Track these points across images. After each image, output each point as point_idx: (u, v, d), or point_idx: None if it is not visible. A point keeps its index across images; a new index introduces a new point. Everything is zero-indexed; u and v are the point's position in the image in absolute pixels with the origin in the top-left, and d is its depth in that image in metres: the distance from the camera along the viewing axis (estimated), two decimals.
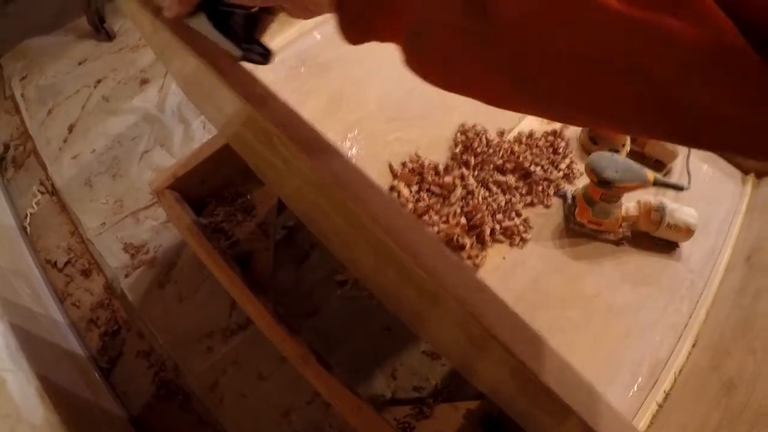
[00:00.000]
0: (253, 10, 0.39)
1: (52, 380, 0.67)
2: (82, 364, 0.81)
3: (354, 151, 0.67)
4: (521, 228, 0.67)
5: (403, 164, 0.67)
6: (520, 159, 0.72)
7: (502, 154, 0.72)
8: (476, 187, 0.68)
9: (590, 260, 0.67)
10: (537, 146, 0.76)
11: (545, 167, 0.74)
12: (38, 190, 1.02)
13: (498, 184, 0.70)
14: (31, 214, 0.99)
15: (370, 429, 0.57)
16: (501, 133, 0.77)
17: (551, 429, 0.41)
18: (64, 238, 0.96)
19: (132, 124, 1.10)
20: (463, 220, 0.63)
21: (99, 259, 0.92)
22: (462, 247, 0.62)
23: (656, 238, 0.69)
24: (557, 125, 0.81)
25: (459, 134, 0.73)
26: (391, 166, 0.67)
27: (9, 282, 0.81)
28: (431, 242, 0.35)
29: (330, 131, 0.67)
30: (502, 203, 0.68)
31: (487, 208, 0.66)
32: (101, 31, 1.26)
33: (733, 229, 0.75)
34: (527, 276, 0.63)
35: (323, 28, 0.75)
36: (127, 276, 0.89)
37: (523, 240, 0.66)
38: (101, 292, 0.89)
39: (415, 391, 0.77)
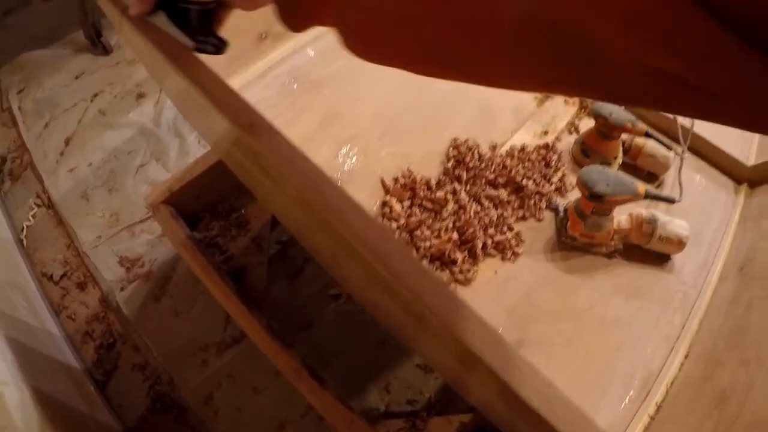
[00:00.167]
0: (209, 5, 0.43)
1: (47, 393, 0.68)
2: (78, 376, 0.81)
3: (347, 166, 0.67)
4: (513, 242, 0.67)
5: (396, 179, 0.68)
6: (512, 173, 0.73)
7: (494, 169, 0.73)
8: (468, 202, 0.68)
9: (582, 273, 0.67)
10: (529, 160, 0.77)
11: (537, 181, 0.74)
12: (35, 203, 1.03)
13: (490, 198, 0.70)
14: (27, 226, 1.00)
15: None
16: (493, 147, 0.77)
17: None
18: (60, 251, 0.96)
19: (128, 138, 1.10)
20: (455, 235, 0.63)
21: (95, 272, 0.92)
22: (453, 262, 0.62)
23: (648, 250, 0.69)
24: (549, 139, 0.82)
25: (451, 149, 0.74)
26: (383, 181, 0.68)
27: (5, 294, 0.81)
28: (415, 263, 0.36)
29: (323, 147, 0.68)
30: (494, 217, 0.68)
31: (479, 222, 0.67)
32: (98, 44, 1.27)
33: (726, 240, 0.75)
34: (519, 290, 0.64)
35: (317, 44, 0.76)
36: (122, 289, 0.89)
37: (515, 254, 0.67)
38: (97, 305, 0.89)
39: (408, 405, 0.77)
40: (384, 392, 0.78)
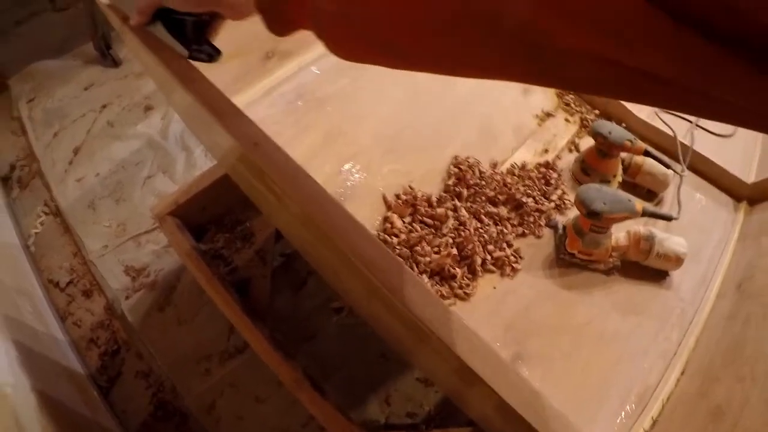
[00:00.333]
0: (204, 16, 0.46)
1: (51, 396, 0.69)
2: (82, 382, 0.82)
3: (349, 182, 0.69)
4: (512, 258, 0.68)
5: (397, 196, 0.69)
6: (512, 190, 0.74)
7: (494, 186, 0.74)
8: (468, 219, 0.69)
9: (581, 290, 0.68)
10: (529, 178, 0.78)
11: (537, 198, 0.76)
12: (42, 211, 1.05)
13: (490, 215, 0.72)
14: (35, 234, 1.01)
15: None
16: (494, 165, 0.79)
17: None
18: (66, 258, 0.98)
19: (136, 150, 1.13)
20: (454, 251, 0.65)
21: (100, 280, 0.94)
22: (453, 277, 0.63)
23: (647, 267, 0.70)
24: (550, 157, 0.83)
25: (452, 166, 0.75)
26: (385, 198, 0.69)
27: (12, 300, 0.83)
28: (412, 279, 0.37)
29: (326, 163, 0.69)
30: (494, 234, 0.70)
31: (478, 239, 0.68)
32: (107, 57, 1.30)
33: (725, 257, 0.76)
34: (518, 305, 0.65)
35: (321, 63, 0.78)
36: (127, 298, 0.91)
37: (514, 270, 0.68)
38: (102, 313, 0.91)
39: (408, 417, 0.77)
40: (384, 405, 0.79)
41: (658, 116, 0.95)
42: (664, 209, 0.80)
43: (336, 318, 0.86)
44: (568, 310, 0.66)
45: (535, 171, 0.80)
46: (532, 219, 0.73)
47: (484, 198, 0.73)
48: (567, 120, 0.92)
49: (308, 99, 0.74)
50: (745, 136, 0.97)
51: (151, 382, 0.83)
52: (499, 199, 0.74)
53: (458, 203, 0.71)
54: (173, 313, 0.88)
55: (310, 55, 0.78)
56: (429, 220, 0.68)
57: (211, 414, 0.78)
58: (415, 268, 0.63)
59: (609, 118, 0.93)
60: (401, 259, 0.62)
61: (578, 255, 0.69)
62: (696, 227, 0.78)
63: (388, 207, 0.69)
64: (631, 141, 0.76)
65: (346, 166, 0.70)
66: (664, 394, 0.61)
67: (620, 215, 0.66)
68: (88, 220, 1.02)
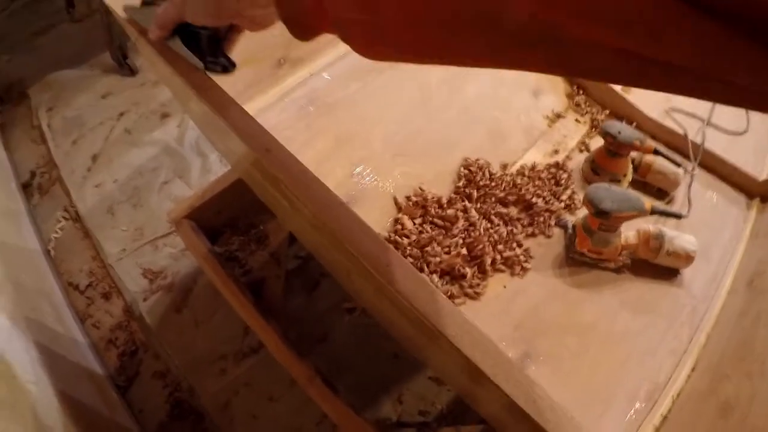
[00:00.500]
0: (220, 29, 0.47)
1: (71, 395, 0.71)
2: (100, 382, 0.85)
3: (360, 185, 0.70)
4: (522, 258, 0.69)
5: (408, 198, 0.70)
6: (522, 191, 0.75)
7: (504, 187, 0.75)
8: (478, 219, 0.70)
9: (590, 288, 0.69)
10: (539, 178, 0.79)
11: (547, 199, 0.76)
12: (62, 216, 1.08)
13: (500, 215, 0.73)
14: (55, 238, 1.05)
15: None
16: (504, 167, 0.80)
17: None
18: (86, 262, 1.01)
19: (152, 156, 1.16)
20: (464, 251, 0.66)
21: (119, 283, 0.97)
22: (463, 277, 0.64)
23: (657, 265, 0.71)
24: (560, 158, 0.84)
25: (462, 168, 0.76)
26: (395, 200, 0.70)
27: (33, 302, 0.86)
28: (421, 281, 0.39)
29: (338, 167, 0.71)
30: (504, 234, 0.70)
31: (488, 239, 0.69)
32: (124, 66, 1.33)
33: (737, 254, 0.76)
34: (527, 304, 0.66)
35: (332, 69, 0.80)
36: (145, 300, 0.93)
37: (524, 269, 0.68)
38: (120, 315, 0.94)
39: (420, 416, 0.78)
40: (397, 403, 0.80)
41: (669, 115, 0.95)
42: (675, 208, 0.80)
43: (348, 318, 0.87)
44: (577, 308, 0.66)
45: (545, 172, 0.80)
46: (542, 219, 0.74)
47: (494, 199, 0.74)
48: (577, 120, 0.93)
49: (319, 104, 0.75)
50: (758, 133, 0.97)
51: (168, 382, 0.85)
52: (509, 199, 0.75)
53: (468, 204, 0.72)
54: (190, 315, 0.90)
55: (321, 62, 0.80)
56: (439, 221, 0.69)
57: (225, 413, 0.80)
58: (426, 269, 0.65)
59: (619, 118, 0.93)
60: (407, 260, 0.64)
61: (588, 254, 0.70)
62: (707, 225, 0.78)
63: (399, 209, 0.70)
64: (640, 140, 0.76)
65: (357, 170, 0.72)
66: (674, 392, 0.61)
67: (629, 214, 0.66)
68: (107, 225, 1.05)
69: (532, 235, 0.73)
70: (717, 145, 0.87)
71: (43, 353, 0.73)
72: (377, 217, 0.68)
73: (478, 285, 0.65)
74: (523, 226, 0.73)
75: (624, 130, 0.77)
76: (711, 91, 0.22)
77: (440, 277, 0.65)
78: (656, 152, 0.78)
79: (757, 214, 0.83)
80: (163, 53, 0.50)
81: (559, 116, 0.92)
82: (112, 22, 1.25)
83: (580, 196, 0.78)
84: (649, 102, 0.95)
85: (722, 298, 0.72)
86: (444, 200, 0.72)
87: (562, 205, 0.77)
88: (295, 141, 0.72)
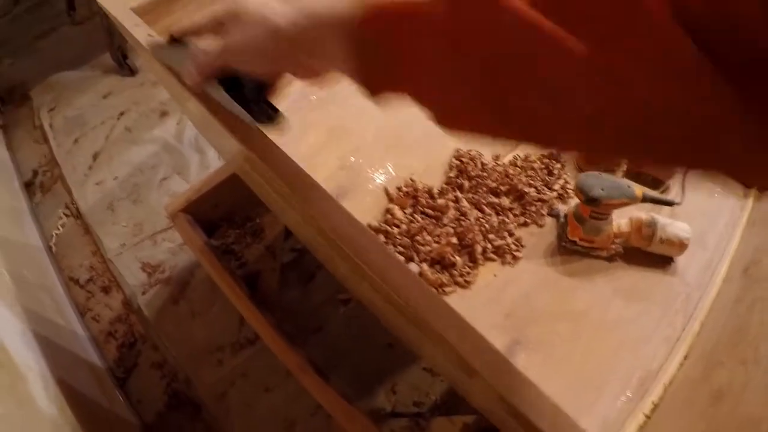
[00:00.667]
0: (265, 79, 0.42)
1: (70, 384, 0.72)
2: (100, 373, 0.87)
3: (352, 177, 0.71)
4: (513, 246, 0.69)
5: (399, 188, 0.71)
6: (514, 181, 0.75)
7: (496, 177, 0.75)
8: (469, 209, 0.71)
9: (582, 277, 0.69)
10: (532, 169, 0.79)
11: (539, 188, 0.76)
12: (64, 213, 1.10)
13: (492, 205, 0.73)
14: (56, 235, 1.07)
15: None
16: (496, 157, 0.80)
17: None
18: (86, 257, 1.03)
19: (152, 154, 1.18)
20: (455, 240, 0.66)
21: (118, 277, 0.98)
22: (453, 266, 0.65)
23: (651, 253, 0.70)
24: None
25: (454, 159, 0.77)
26: (386, 190, 0.71)
27: (34, 295, 0.88)
28: (415, 280, 0.39)
29: (330, 159, 0.71)
30: (495, 223, 0.71)
31: (480, 228, 0.69)
32: (124, 66, 1.35)
33: (732, 242, 0.75)
34: (518, 292, 0.66)
35: None
36: (144, 293, 0.95)
37: (515, 258, 0.69)
38: (120, 308, 0.95)
39: (415, 406, 0.79)
40: (391, 394, 0.80)
41: None
42: (671, 197, 0.79)
43: (343, 309, 0.88)
44: (569, 296, 0.66)
45: (538, 162, 0.81)
46: (534, 208, 0.74)
47: (485, 189, 0.74)
48: None
49: (311, 99, 0.76)
50: None
51: (166, 373, 0.86)
52: (501, 189, 0.75)
53: (460, 194, 0.72)
54: (187, 307, 0.91)
55: None
56: (430, 211, 0.70)
57: (222, 403, 0.81)
58: (416, 257, 0.65)
59: None
60: (397, 248, 0.64)
61: (580, 242, 0.70)
62: (703, 213, 0.78)
63: (390, 199, 0.70)
64: None
65: (349, 162, 0.72)
66: (666, 379, 0.61)
67: (619, 201, 0.66)
68: (107, 221, 1.07)
69: (524, 224, 0.73)
70: None
71: (42, 343, 0.74)
72: (368, 208, 0.69)
73: (469, 274, 0.66)
74: (515, 216, 0.73)
75: None
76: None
77: (431, 266, 0.65)
78: None
79: (755, 202, 0.82)
80: (159, 58, 0.50)
81: None
82: (111, 24, 1.27)
83: (572, 185, 0.78)
84: None
85: (717, 286, 0.71)
86: (435, 191, 0.72)
87: (555, 194, 0.77)
88: (287, 135, 0.72)
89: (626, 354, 0.62)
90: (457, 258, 0.65)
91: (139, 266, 0.99)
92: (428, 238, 0.66)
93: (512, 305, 0.64)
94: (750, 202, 0.82)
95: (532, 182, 0.77)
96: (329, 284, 0.90)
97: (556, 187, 0.78)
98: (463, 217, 0.70)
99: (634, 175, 0.82)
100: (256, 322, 0.72)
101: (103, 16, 1.29)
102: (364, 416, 0.61)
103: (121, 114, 1.27)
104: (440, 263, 0.66)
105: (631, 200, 0.67)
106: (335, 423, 0.77)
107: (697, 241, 0.74)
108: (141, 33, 0.58)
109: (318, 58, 0.35)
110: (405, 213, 0.69)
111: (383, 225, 0.67)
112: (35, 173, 1.19)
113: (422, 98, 0.31)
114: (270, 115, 0.44)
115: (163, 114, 1.27)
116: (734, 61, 0.20)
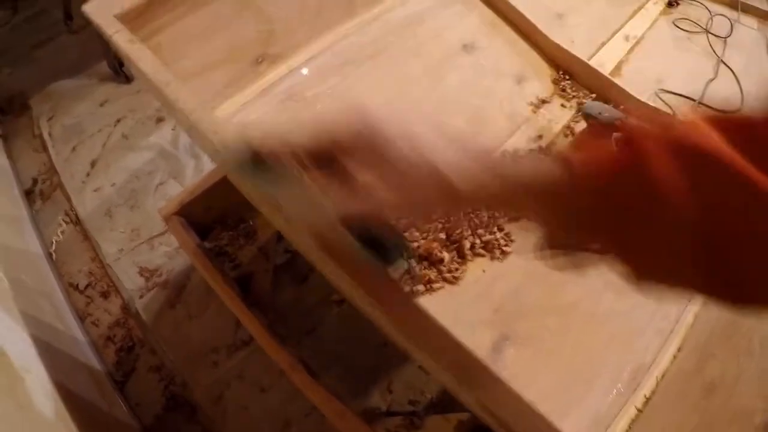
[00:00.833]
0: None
1: (68, 388, 0.73)
2: (98, 376, 0.88)
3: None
4: (502, 241, 0.69)
5: None
6: None
7: None
8: None
9: (573, 270, 0.68)
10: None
11: None
12: (63, 220, 1.12)
13: None
14: (56, 241, 1.08)
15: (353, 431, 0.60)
16: None
17: None
18: (85, 263, 1.05)
19: (148, 160, 1.19)
20: (443, 236, 0.66)
21: (117, 282, 1.00)
22: (441, 261, 0.64)
23: None
24: (544, 143, 0.83)
25: None
26: None
27: (33, 300, 0.89)
28: (391, 284, 0.39)
29: None
30: (484, 218, 0.70)
31: (468, 224, 0.69)
32: (120, 74, 1.37)
33: None
34: (507, 287, 0.65)
35: (311, 64, 0.80)
36: (141, 297, 0.96)
37: (504, 253, 0.68)
38: (118, 312, 0.97)
39: (410, 405, 0.79)
40: (386, 393, 0.80)
41: (659, 97, 0.94)
42: None
43: (337, 310, 0.88)
44: (559, 290, 0.66)
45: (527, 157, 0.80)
46: None
47: None
48: (563, 105, 0.92)
49: (299, 99, 0.76)
50: (751, 111, 0.95)
51: (163, 376, 0.87)
52: None
53: None
54: (184, 310, 0.92)
55: (299, 58, 0.81)
56: None
57: (218, 405, 0.82)
58: (404, 253, 0.65)
59: (607, 101, 0.92)
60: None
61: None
62: None
63: None
64: (622, 120, 0.75)
65: None
66: (659, 372, 0.60)
67: None
68: (105, 227, 1.09)
69: (515, 219, 0.72)
70: None
71: (40, 347, 0.76)
72: None
73: (457, 269, 0.65)
74: None
75: (605, 110, 0.76)
76: None
77: (418, 262, 0.65)
78: None
79: None
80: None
81: (544, 102, 0.91)
82: None
83: None
84: (638, 84, 0.94)
85: None
86: None
87: None
88: (275, 135, 0.73)
89: (618, 347, 0.61)
90: (445, 254, 0.65)
91: (136, 271, 1.00)
92: (416, 234, 0.66)
93: (501, 300, 0.64)
94: None
95: None
96: (323, 285, 0.90)
97: None
98: None
99: None
100: (248, 322, 0.72)
101: None
102: (355, 414, 0.62)
103: (118, 121, 1.29)
104: (428, 259, 0.65)
105: None
106: (329, 423, 0.77)
107: None
108: (122, 39, 0.58)
109: (496, 211, 0.32)
110: None
111: None
112: (35, 181, 1.21)
113: (627, 256, 0.30)
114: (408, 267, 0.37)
115: (159, 120, 1.29)
116: None
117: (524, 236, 0.70)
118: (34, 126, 1.31)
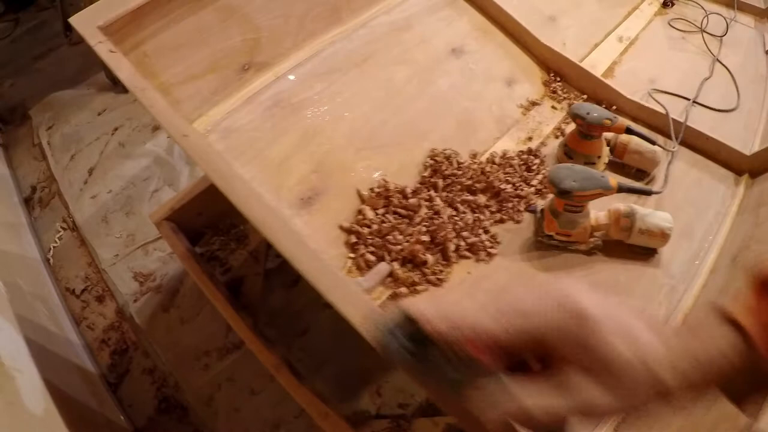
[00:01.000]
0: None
1: (60, 388, 0.75)
2: (92, 379, 0.90)
3: (324, 179, 0.72)
4: (487, 243, 0.69)
5: (371, 189, 0.71)
6: (491, 178, 0.75)
7: (471, 175, 0.75)
8: (443, 207, 0.71)
9: (559, 271, 0.68)
10: (510, 165, 0.79)
11: (516, 184, 0.76)
12: (61, 227, 1.14)
13: (467, 203, 0.72)
14: (54, 247, 1.10)
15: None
16: (473, 156, 0.80)
17: None
18: (82, 268, 1.07)
19: (144, 167, 1.22)
20: (426, 238, 0.66)
21: (112, 286, 1.02)
22: (424, 264, 0.65)
23: (633, 246, 0.69)
24: (533, 144, 0.83)
25: (429, 159, 0.77)
26: (359, 192, 0.71)
27: (29, 304, 0.91)
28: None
29: (302, 163, 0.72)
30: (470, 221, 0.70)
31: (453, 226, 0.69)
32: (118, 84, 1.39)
33: (722, 232, 0.73)
34: (492, 289, 0.64)
35: (297, 71, 0.81)
36: (136, 301, 0.98)
37: (490, 255, 0.68)
38: (113, 316, 0.99)
39: (399, 408, 0.79)
40: (376, 396, 0.80)
41: (652, 97, 0.94)
42: (656, 188, 0.78)
43: (327, 313, 0.88)
44: None
45: (517, 158, 0.80)
46: (510, 205, 0.74)
47: (459, 187, 0.74)
48: (554, 107, 0.92)
49: (285, 105, 0.77)
50: (749, 110, 0.94)
51: (156, 378, 0.89)
52: (476, 187, 0.75)
53: (434, 193, 0.72)
54: (176, 314, 0.94)
55: (286, 65, 0.82)
56: (402, 211, 0.70)
57: (209, 407, 0.83)
58: (388, 257, 0.65)
59: (599, 102, 0.92)
60: (369, 248, 0.65)
61: (556, 237, 0.69)
62: (691, 203, 0.77)
63: (362, 200, 0.71)
64: (610, 120, 0.75)
65: (321, 164, 0.73)
66: None
67: (593, 192, 0.65)
68: (102, 233, 1.10)
69: (500, 221, 0.73)
70: (703, 123, 0.85)
71: (34, 349, 0.77)
72: (339, 209, 0.69)
73: (441, 272, 0.65)
74: (492, 213, 0.73)
75: (593, 110, 0.76)
76: None
77: (402, 264, 0.65)
78: (629, 131, 0.77)
79: (746, 189, 0.80)
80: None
81: (534, 104, 0.91)
82: None
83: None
84: (631, 85, 0.94)
85: (703, 277, 0.69)
86: (409, 190, 0.72)
87: (533, 190, 0.76)
88: (261, 140, 0.74)
89: None
90: (429, 256, 0.65)
91: (131, 275, 1.02)
92: (400, 237, 0.66)
93: (485, 301, 0.63)
94: (741, 189, 0.80)
95: (509, 179, 0.76)
96: (313, 288, 0.90)
97: (534, 182, 0.77)
98: (436, 216, 0.70)
99: (618, 167, 0.82)
100: (236, 324, 0.73)
101: None
102: (338, 415, 0.62)
103: (115, 129, 1.32)
104: (412, 262, 0.66)
105: (606, 191, 0.66)
106: (317, 425, 0.77)
107: (683, 232, 0.72)
108: (103, 49, 0.60)
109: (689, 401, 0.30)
110: (377, 213, 0.69)
111: (354, 226, 0.67)
112: (34, 189, 1.23)
113: None
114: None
115: (155, 128, 1.31)
116: None
117: (510, 238, 0.70)
118: (34, 135, 1.33)
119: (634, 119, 0.91)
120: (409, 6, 0.96)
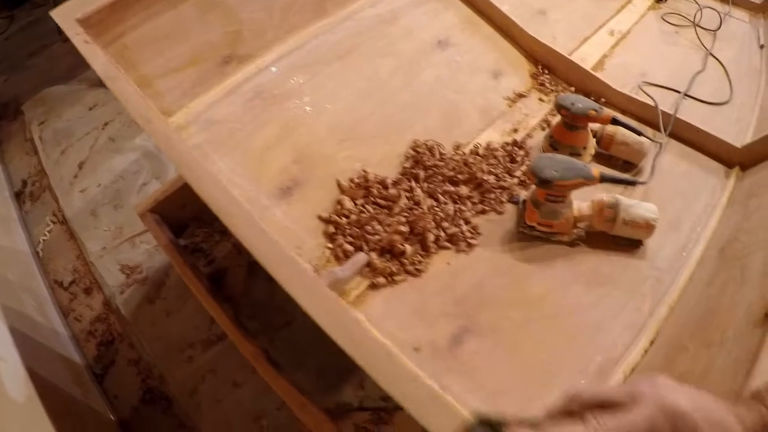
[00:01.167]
0: None
1: (43, 377, 0.75)
2: (78, 369, 0.90)
3: (304, 170, 0.71)
4: (468, 234, 0.68)
5: (351, 180, 0.71)
6: (473, 170, 0.74)
7: (454, 166, 0.74)
8: (423, 198, 0.70)
9: (540, 262, 0.67)
10: (494, 157, 0.78)
11: (499, 176, 0.75)
12: (51, 220, 1.14)
13: (448, 194, 0.72)
14: (43, 240, 1.11)
15: (313, 422, 0.61)
16: (457, 147, 0.79)
17: None
18: (70, 261, 1.07)
19: (133, 161, 1.22)
20: (405, 228, 0.65)
21: (99, 278, 1.02)
22: (402, 254, 0.64)
23: (619, 237, 0.68)
24: (519, 136, 0.83)
25: (410, 150, 0.76)
26: (339, 182, 0.71)
27: (16, 295, 0.91)
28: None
29: (282, 154, 0.72)
30: (450, 212, 0.70)
31: (433, 217, 0.68)
32: None
33: (710, 224, 0.72)
34: (472, 279, 0.64)
35: (280, 63, 0.81)
36: (122, 293, 0.98)
37: (470, 245, 0.67)
38: (100, 308, 0.99)
39: (382, 401, 0.78)
40: (358, 389, 0.80)
41: (642, 90, 0.93)
42: (643, 179, 0.77)
43: None
44: (524, 282, 0.64)
45: (501, 150, 0.80)
46: (493, 196, 0.73)
47: (441, 178, 0.73)
48: (541, 100, 0.91)
49: (266, 97, 0.77)
50: (741, 104, 0.93)
51: (141, 369, 0.89)
52: (458, 178, 0.74)
53: (414, 184, 0.72)
54: (162, 305, 0.94)
55: (268, 57, 0.81)
56: (382, 201, 0.69)
57: (193, 398, 0.83)
58: (366, 247, 0.65)
59: (587, 94, 0.91)
60: (344, 243, 0.64)
61: (538, 227, 0.68)
62: (680, 195, 0.76)
63: (342, 191, 0.70)
64: (596, 110, 0.74)
65: (302, 155, 0.72)
66: (627, 366, 0.59)
67: (574, 182, 0.64)
68: (90, 226, 1.11)
69: (482, 212, 0.72)
70: (696, 116, 0.84)
71: (18, 337, 0.77)
72: (319, 200, 0.69)
73: (420, 262, 0.65)
74: (474, 204, 0.72)
75: (578, 101, 0.75)
76: None
77: (380, 255, 0.65)
78: (614, 122, 0.76)
79: (736, 181, 0.79)
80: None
81: (521, 96, 0.91)
82: None
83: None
84: (621, 78, 0.93)
85: (690, 269, 0.68)
86: (389, 181, 0.72)
87: (516, 181, 0.76)
88: (241, 132, 0.73)
89: (585, 340, 0.60)
90: (407, 246, 0.65)
91: (118, 268, 1.02)
92: (378, 227, 0.66)
93: (464, 292, 0.63)
94: (732, 181, 0.79)
95: (492, 170, 0.76)
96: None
97: (518, 173, 0.77)
98: (416, 206, 0.69)
99: (605, 159, 0.81)
100: (217, 314, 0.73)
101: None
102: (315, 406, 0.62)
103: (106, 124, 1.32)
104: (390, 252, 0.65)
105: (588, 181, 0.64)
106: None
107: (671, 224, 0.71)
108: (79, 41, 0.60)
109: None
110: (356, 204, 0.69)
111: (333, 216, 0.67)
112: (25, 183, 1.24)
113: None
114: None
115: None
116: None
117: (492, 229, 0.69)
118: (26, 130, 1.34)
119: (624, 112, 0.90)
120: None
